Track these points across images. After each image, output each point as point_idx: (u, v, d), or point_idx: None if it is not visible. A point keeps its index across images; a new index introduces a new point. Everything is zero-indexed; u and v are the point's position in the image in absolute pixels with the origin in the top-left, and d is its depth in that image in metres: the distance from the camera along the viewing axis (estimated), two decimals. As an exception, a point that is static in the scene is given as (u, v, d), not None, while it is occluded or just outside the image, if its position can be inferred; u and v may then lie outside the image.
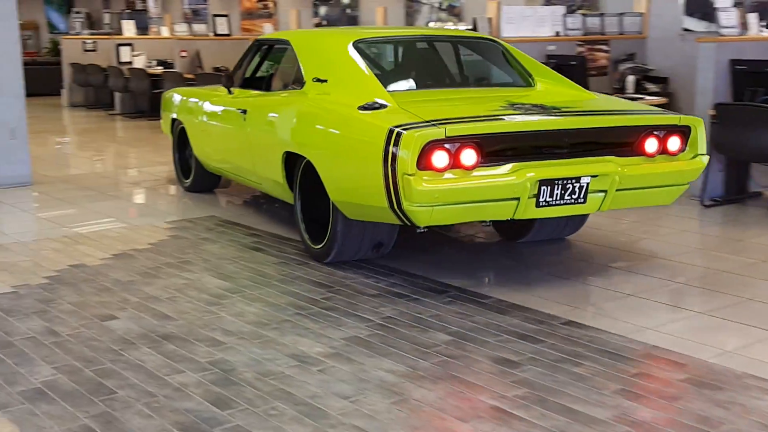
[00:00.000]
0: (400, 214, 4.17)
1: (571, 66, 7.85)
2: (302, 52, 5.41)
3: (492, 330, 3.91)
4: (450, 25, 11.53)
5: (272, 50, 6.18)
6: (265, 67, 6.38)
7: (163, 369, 3.47)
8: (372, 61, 5.44)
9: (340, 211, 4.67)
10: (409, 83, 5.44)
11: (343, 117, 4.64)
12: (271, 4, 15.86)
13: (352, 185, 4.51)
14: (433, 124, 4.09)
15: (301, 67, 5.30)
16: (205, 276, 4.78)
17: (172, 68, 13.05)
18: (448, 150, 4.06)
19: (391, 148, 4.06)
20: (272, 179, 5.42)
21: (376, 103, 4.48)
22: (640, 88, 7.93)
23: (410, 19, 13.50)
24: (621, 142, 4.50)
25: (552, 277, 4.79)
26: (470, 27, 11.12)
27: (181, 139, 7.23)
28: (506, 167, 4.18)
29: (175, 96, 7.27)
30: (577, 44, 8.27)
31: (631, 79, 7.97)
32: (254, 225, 6.03)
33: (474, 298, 4.37)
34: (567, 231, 5.47)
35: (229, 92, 6.22)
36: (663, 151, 4.56)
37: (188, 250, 5.34)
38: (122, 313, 4.15)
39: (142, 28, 15.91)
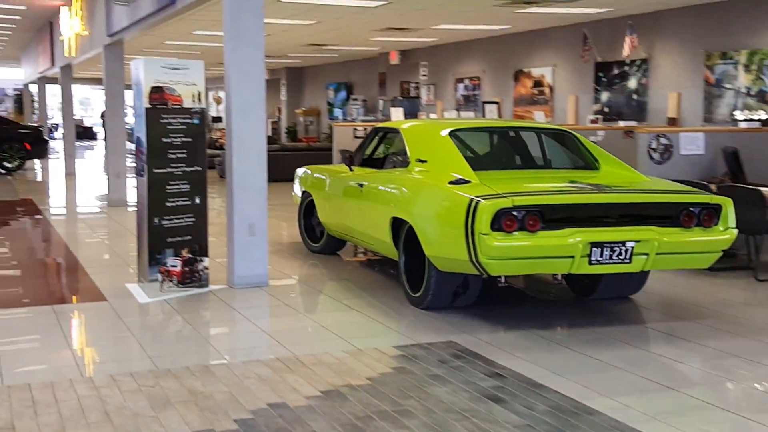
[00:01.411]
0: (478, 266, 5.22)
1: None
2: (409, 138, 6.62)
3: None
4: (762, 114, 9.74)
5: (386, 136, 7.45)
6: (380, 150, 7.64)
7: None
8: (464, 147, 6.59)
9: (433, 264, 5.72)
10: (492, 164, 6.60)
11: (437, 189, 5.80)
12: (547, 90, 14.83)
13: (442, 242, 5.57)
14: (504, 196, 5.19)
15: (407, 150, 6.50)
16: (422, 439, 3.68)
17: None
18: (515, 216, 5.14)
19: (470, 213, 5.15)
20: (382, 240, 6.53)
21: (463, 179, 5.61)
22: None
23: (710, 105, 11.77)
24: (661, 215, 5.48)
25: None
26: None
27: (307, 209, 8.46)
28: (563, 231, 5.20)
29: (306, 171, 8.49)
30: None
31: None
32: (500, 359, 4.87)
33: None
34: (630, 290, 6.32)
35: (351, 169, 7.40)
36: (699, 223, 5.48)
37: (410, 393, 4.28)
38: (303, 495, 3.15)
39: (412, 114, 15.53)
